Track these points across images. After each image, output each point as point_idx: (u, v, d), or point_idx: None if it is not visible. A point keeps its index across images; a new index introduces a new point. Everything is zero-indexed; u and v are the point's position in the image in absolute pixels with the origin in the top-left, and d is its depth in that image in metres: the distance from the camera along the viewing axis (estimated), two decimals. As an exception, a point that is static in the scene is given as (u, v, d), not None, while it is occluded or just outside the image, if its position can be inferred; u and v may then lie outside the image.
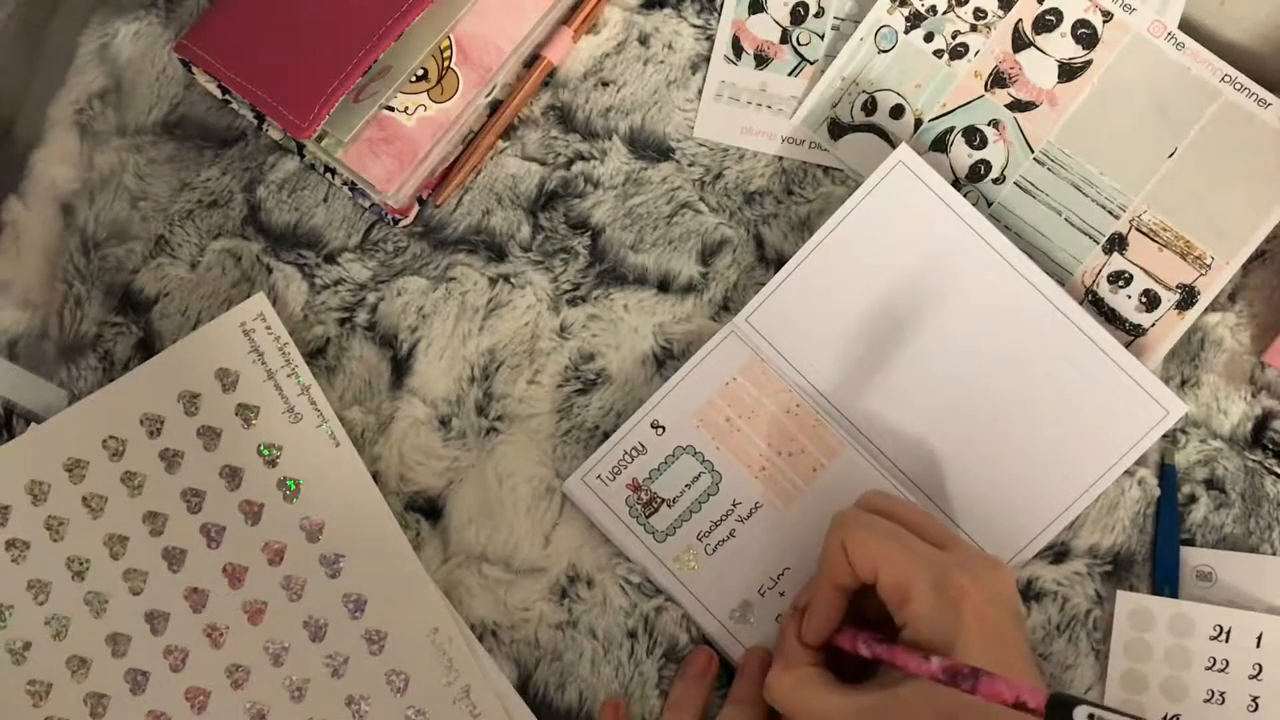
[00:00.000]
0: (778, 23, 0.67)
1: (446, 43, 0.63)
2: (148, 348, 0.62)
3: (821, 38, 0.66)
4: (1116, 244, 0.63)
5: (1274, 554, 0.60)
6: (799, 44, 0.66)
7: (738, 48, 0.66)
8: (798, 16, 0.67)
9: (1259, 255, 0.64)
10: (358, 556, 0.59)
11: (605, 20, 0.67)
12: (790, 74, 0.66)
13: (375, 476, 0.60)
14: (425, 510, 0.61)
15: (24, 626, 0.57)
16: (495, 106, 0.65)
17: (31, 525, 0.58)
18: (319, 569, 0.58)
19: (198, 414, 0.60)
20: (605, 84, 0.66)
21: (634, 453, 0.59)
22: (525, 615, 0.59)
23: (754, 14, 0.67)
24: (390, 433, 0.61)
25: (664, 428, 0.60)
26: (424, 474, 0.61)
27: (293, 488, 0.59)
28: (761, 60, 0.66)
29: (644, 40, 0.67)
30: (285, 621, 0.58)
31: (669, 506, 0.59)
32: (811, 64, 0.66)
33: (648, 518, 0.59)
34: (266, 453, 0.59)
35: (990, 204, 0.64)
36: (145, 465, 0.59)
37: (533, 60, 0.66)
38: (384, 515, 0.59)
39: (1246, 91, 0.63)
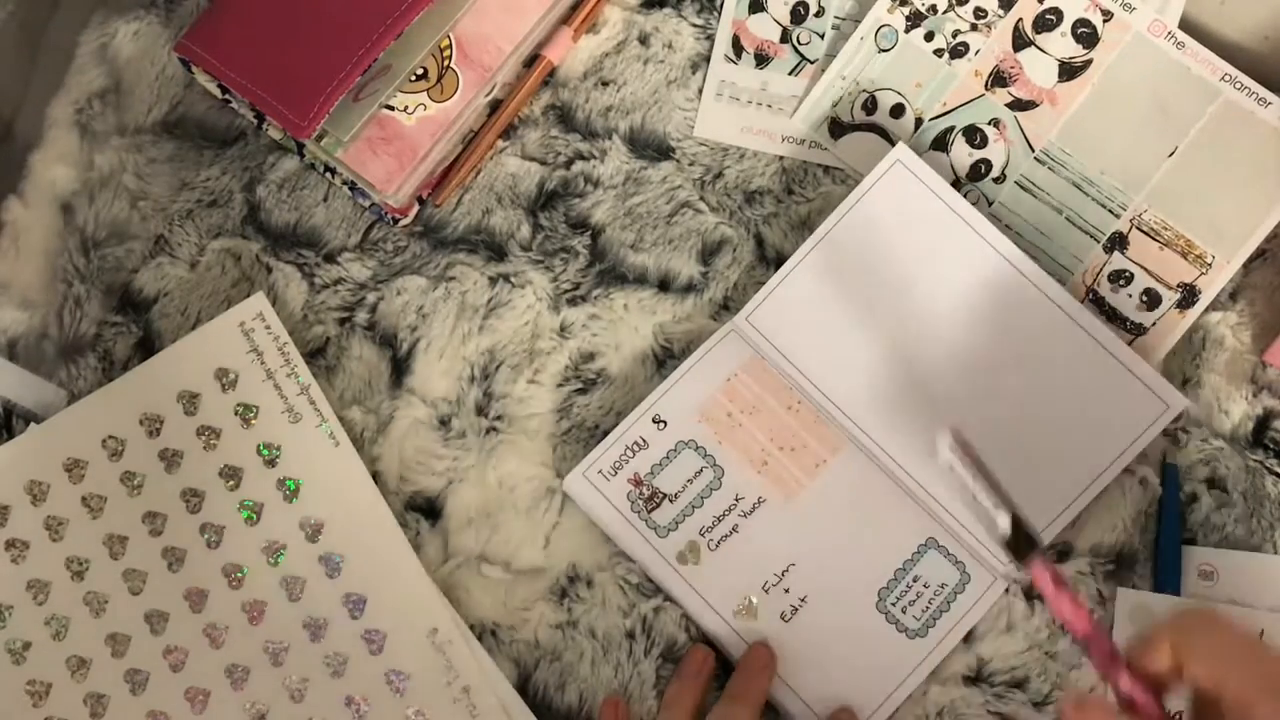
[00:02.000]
0: (778, 22, 0.67)
1: (446, 42, 0.63)
2: (147, 347, 0.62)
3: (821, 37, 0.66)
4: (1117, 243, 0.63)
5: (1276, 553, 0.60)
6: (799, 43, 0.66)
7: (738, 47, 0.66)
8: (798, 16, 0.67)
9: (1260, 254, 0.64)
10: (357, 556, 0.58)
11: (605, 20, 0.67)
12: (790, 73, 0.66)
13: (375, 476, 0.60)
14: (425, 510, 0.61)
15: (24, 626, 0.57)
16: (495, 106, 0.65)
17: (31, 525, 0.58)
18: (319, 569, 0.58)
19: (197, 414, 0.60)
20: (605, 83, 0.66)
21: (635, 447, 0.59)
22: (525, 615, 0.59)
23: (754, 13, 0.67)
24: (390, 433, 0.61)
25: (665, 422, 0.60)
26: (424, 474, 0.61)
27: (292, 488, 0.59)
28: (762, 60, 0.66)
29: (644, 40, 0.67)
30: (285, 621, 0.58)
31: (670, 502, 0.59)
32: (812, 63, 0.66)
33: (650, 513, 0.59)
34: (266, 452, 0.59)
35: (991, 203, 0.64)
36: (145, 465, 0.59)
37: (533, 60, 0.66)
38: (384, 515, 0.59)
39: (1247, 91, 0.63)
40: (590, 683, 0.58)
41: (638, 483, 0.59)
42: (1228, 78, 0.63)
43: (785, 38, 0.67)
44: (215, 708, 0.57)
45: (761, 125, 0.66)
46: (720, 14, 0.67)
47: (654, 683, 0.58)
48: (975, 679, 0.59)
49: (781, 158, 0.65)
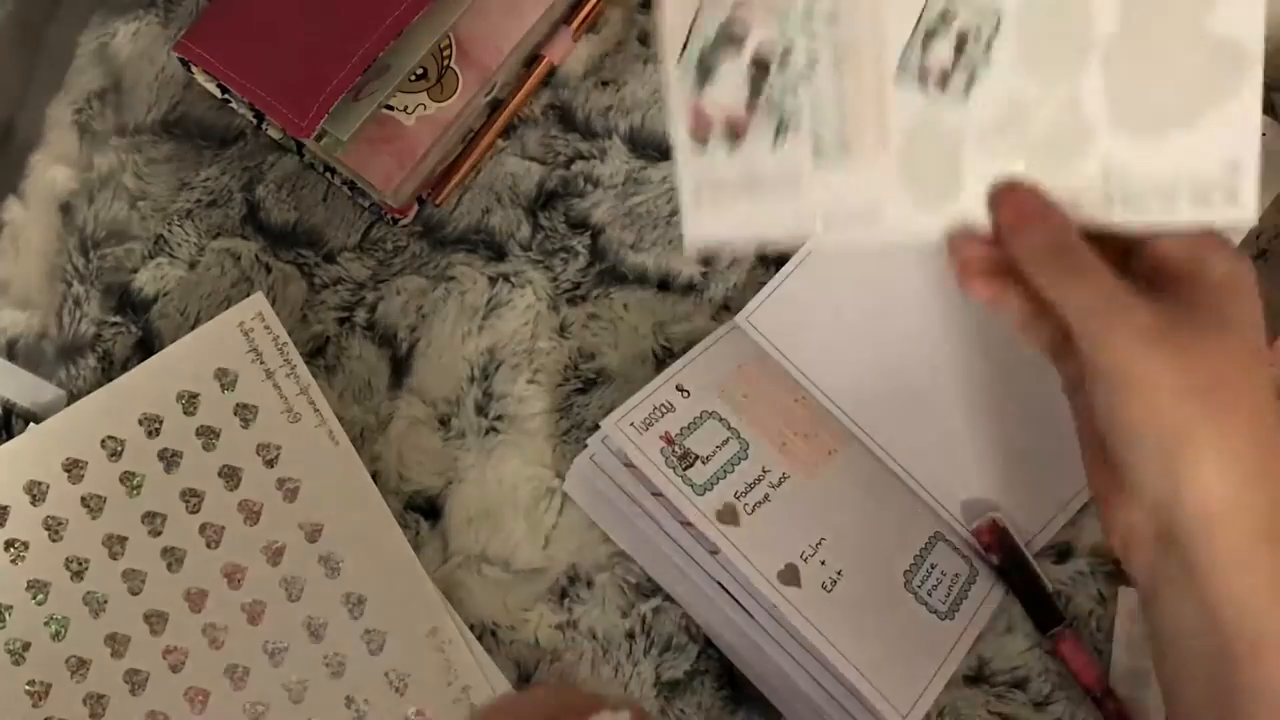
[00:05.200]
0: (739, 84, 0.46)
1: (446, 41, 0.63)
2: (146, 347, 0.62)
3: (796, 91, 0.46)
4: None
5: (1276, 553, 0.60)
6: (772, 103, 0.46)
7: (698, 134, 0.47)
8: (760, 68, 0.46)
9: (1260, 255, 0.64)
10: (357, 556, 0.58)
11: (605, 19, 0.67)
12: (775, 142, 0.46)
13: (374, 476, 0.60)
14: (424, 510, 0.61)
15: (23, 627, 0.57)
16: (495, 105, 0.65)
17: (30, 525, 0.58)
18: (318, 569, 0.58)
19: (196, 414, 0.60)
20: (605, 83, 0.66)
21: (663, 409, 0.58)
22: (525, 615, 0.59)
23: (703, 85, 0.46)
24: (389, 432, 0.61)
25: (688, 392, 0.58)
26: (423, 474, 0.61)
27: (292, 488, 0.59)
28: (733, 137, 0.47)
29: (644, 39, 0.67)
30: (284, 621, 0.58)
31: (703, 463, 0.57)
32: (797, 124, 0.46)
33: (685, 470, 0.57)
34: (265, 452, 0.59)
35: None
36: (144, 465, 0.59)
37: (532, 59, 0.66)
38: (383, 515, 0.59)
39: None
40: (590, 683, 0.58)
41: (669, 440, 0.57)
42: None
43: (753, 103, 0.46)
44: (215, 708, 0.57)
45: (760, 218, 0.47)
46: (668, 101, 0.47)
47: (654, 682, 0.58)
48: (976, 679, 0.59)
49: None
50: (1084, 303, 0.42)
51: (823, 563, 0.56)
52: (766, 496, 0.57)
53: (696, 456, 0.57)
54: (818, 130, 0.47)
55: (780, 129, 0.48)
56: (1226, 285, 0.42)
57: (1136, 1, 0.47)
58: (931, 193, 0.47)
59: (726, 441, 0.58)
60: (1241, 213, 0.47)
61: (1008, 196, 0.44)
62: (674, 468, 0.56)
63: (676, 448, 0.57)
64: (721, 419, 0.58)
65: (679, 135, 0.48)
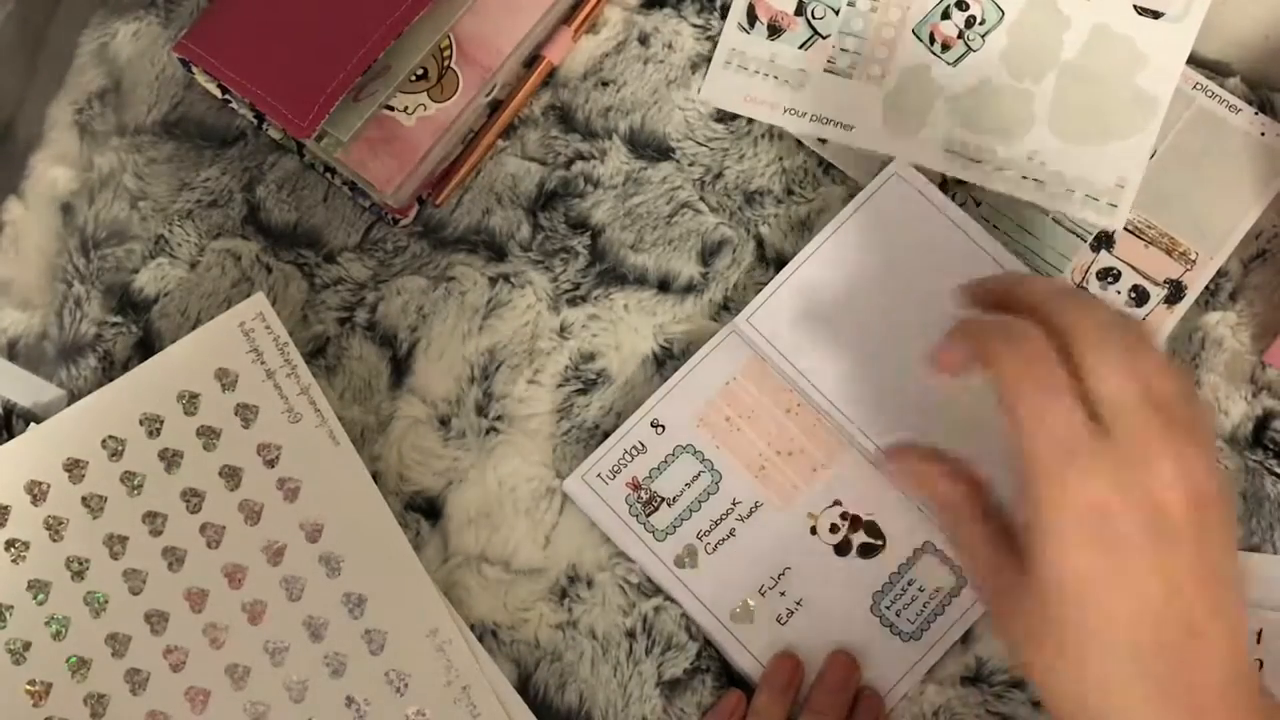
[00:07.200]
0: None
1: (446, 42, 0.63)
2: (147, 348, 0.62)
3: (837, 13, 0.66)
4: (1104, 242, 0.64)
5: (1276, 553, 0.60)
6: (813, 17, 0.66)
7: (752, 16, 0.67)
8: None
9: (1259, 255, 0.64)
10: (357, 556, 0.58)
11: (605, 20, 0.67)
12: (801, 47, 0.66)
13: (375, 476, 0.60)
14: (425, 510, 0.61)
15: (23, 626, 0.57)
16: (495, 106, 0.65)
17: (31, 525, 0.58)
18: (319, 569, 0.58)
19: (197, 414, 0.60)
20: (605, 84, 0.66)
21: (634, 451, 0.59)
22: (525, 615, 0.59)
23: None
24: (390, 432, 0.61)
25: (664, 426, 0.60)
26: (423, 474, 0.61)
27: (292, 488, 0.59)
28: (774, 31, 0.66)
29: (644, 40, 0.67)
30: (285, 621, 0.58)
31: (669, 505, 0.59)
32: (824, 38, 0.66)
33: (648, 516, 0.59)
34: (266, 452, 0.59)
35: (979, 204, 0.65)
36: (145, 465, 0.59)
37: (532, 60, 0.66)
38: (384, 515, 0.59)
39: (1219, 99, 0.65)
40: (590, 683, 0.59)
41: (636, 486, 0.59)
42: (1199, 86, 0.65)
43: (800, 10, 0.67)
44: (215, 708, 0.57)
45: (765, 96, 0.66)
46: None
47: (655, 682, 0.58)
48: (974, 679, 0.59)
49: (781, 157, 0.65)
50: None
51: (782, 594, 0.58)
52: (732, 532, 0.59)
53: (663, 499, 0.59)
54: (839, 48, 0.66)
55: (810, 38, 0.66)
56: (1026, 525, 0.47)
57: (1093, 47, 0.64)
58: (901, 124, 0.65)
59: (698, 476, 0.59)
60: (1113, 221, 0.63)
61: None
62: (637, 515, 0.59)
63: (643, 492, 0.59)
64: (696, 452, 0.60)
65: (736, 10, 0.66)
